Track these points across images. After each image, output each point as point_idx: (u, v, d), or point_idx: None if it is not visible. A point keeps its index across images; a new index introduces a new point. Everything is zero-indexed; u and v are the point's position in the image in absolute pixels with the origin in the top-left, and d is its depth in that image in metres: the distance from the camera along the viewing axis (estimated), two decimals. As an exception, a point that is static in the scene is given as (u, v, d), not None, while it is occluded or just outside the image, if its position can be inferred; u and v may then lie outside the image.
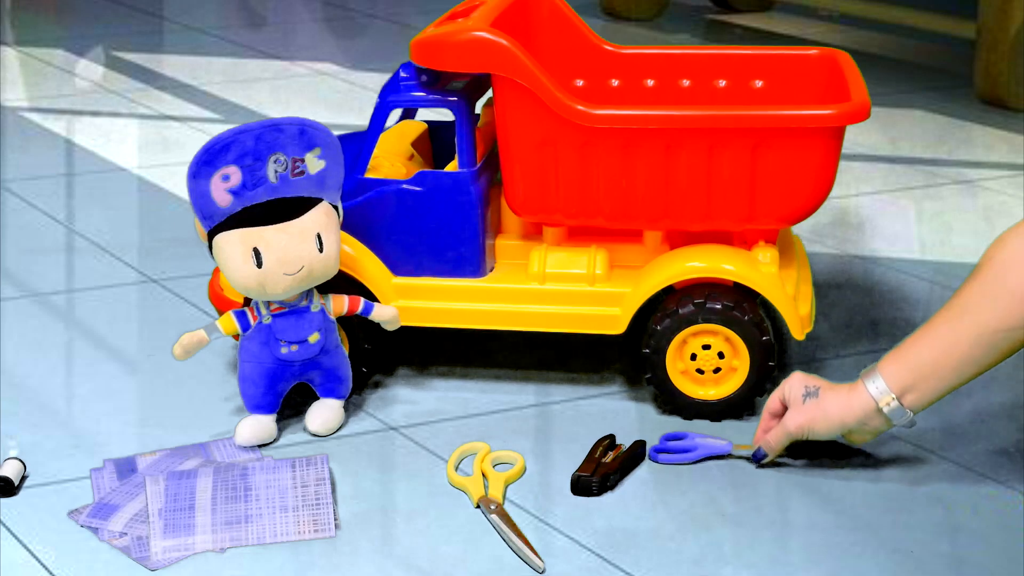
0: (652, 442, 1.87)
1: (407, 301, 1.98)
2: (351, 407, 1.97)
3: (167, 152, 3.09)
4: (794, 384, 1.80)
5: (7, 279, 2.43)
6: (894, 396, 1.72)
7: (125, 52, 3.95)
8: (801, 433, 1.77)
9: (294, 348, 1.88)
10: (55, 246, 2.58)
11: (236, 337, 1.90)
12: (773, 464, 1.83)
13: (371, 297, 1.97)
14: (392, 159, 2.03)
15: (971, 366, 1.70)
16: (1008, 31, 3.30)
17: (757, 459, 1.82)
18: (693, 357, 1.94)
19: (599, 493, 1.77)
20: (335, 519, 1.72)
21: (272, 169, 1.84)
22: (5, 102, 3.45)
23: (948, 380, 1.71)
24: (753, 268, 1.93)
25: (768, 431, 1.82)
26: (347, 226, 1.96)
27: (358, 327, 1.98)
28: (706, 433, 1.89)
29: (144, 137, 3.21)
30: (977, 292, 1.68)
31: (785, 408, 1.81)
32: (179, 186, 2.86)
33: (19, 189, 2.85)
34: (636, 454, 1.83)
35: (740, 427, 1.93)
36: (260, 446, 1.88)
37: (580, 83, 2.18)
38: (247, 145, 1.82)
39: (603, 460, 1.81)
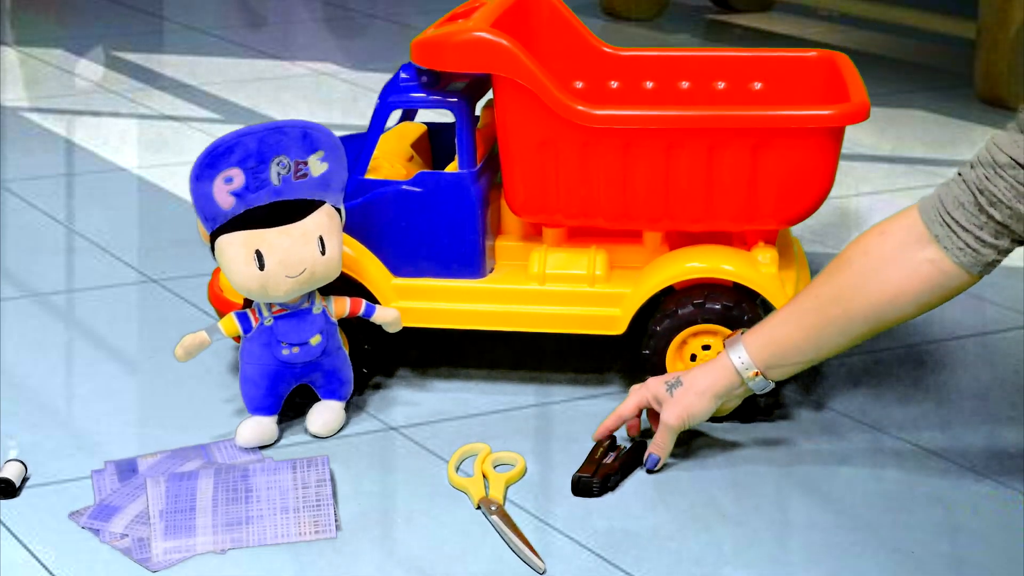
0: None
1: (407, 302, 1.98)
2: (352, 408, 1.97)
3: (167, 152, 3.10)
4: (653, 385, 1.84)
5: (7, 279, 2.43)
6: (758, 371, 1.80)
7: (125, 52, 3.95)
8: (682, 423, 1.82)
9: (295, 350, 1.88)
10: (55, 246, 2.58)
11: (237, 339, 1.90)
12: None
13: (371, 298, 1.97)
14: (392, 160, 2.03)
15: (833, 349, 1.80)
16: (1008, 31, 3.30)
17: (650, 467, 1.83)
18: (693, 358, 1.94)
19: (600, 494, 1.77)
20: (336, 520, 1.72)
21: (275, 171, 1.84)
22: (5, 102, 3.45)
23: (809, 359, 1.81)
24: (753, 268, 1.93)
25: (612, 429, 1.86)
26: (347, 227, 1.96)
27: (358, 328, 1.98)
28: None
29: (144, 137, 3.21)
30: (850, 284, 1.76)
31: (651, 412, 1.86)
32: (179, 186, 2.86)
33: (19, 189, 2.85)
34: (637, 455, 1.84)
35: (741, 428, 1.93)
36: (261, 447, 1.89)
37: (579, 85, 2.18)
38: (250, 147, 1.82)
39: (604, 461, 1.81)
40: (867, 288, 1.74)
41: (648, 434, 1.89)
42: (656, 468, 1.82)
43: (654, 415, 1.85)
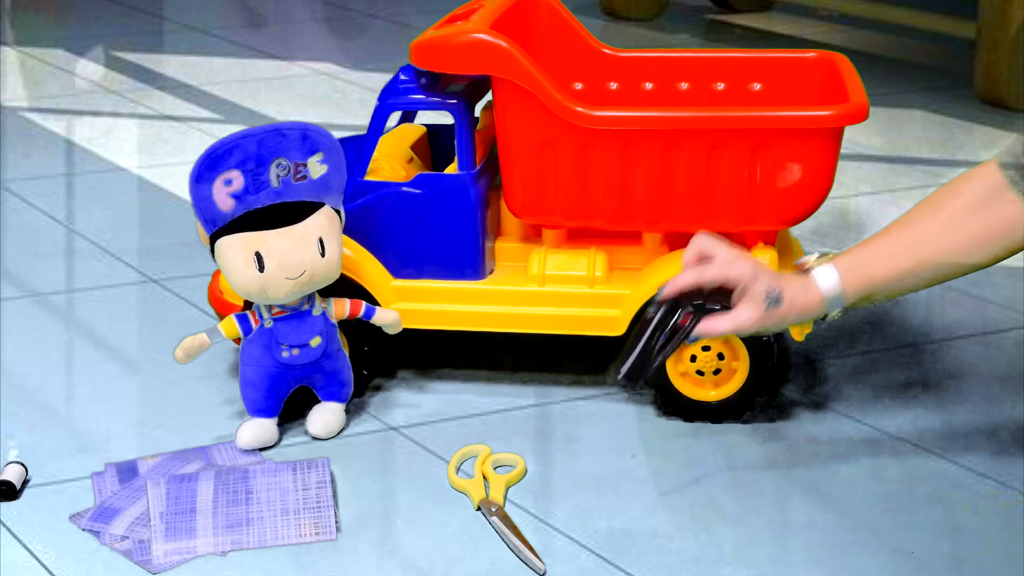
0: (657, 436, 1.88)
1: (407, 304, 1.98)
2: (352, 409, 1.97)
3: (167, 152, 3.10)
4: (759, 281, 1.76)
5: (7, 279, 2.43)
6: (846, 308, 1.78)
7: (125, 52, 3.95)
8: (753, 332, 1.78)
9: (295, 352, 1.88)
10: (55, 246, 2.58)
11: (237, 341, 1.91)
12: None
13: (371, 299, 1.97)
14: (391, 162, 2.03)
15: (920, 285, 1.79)
16: (1008, 31, 3.30)
17: (691, 341, 1.77)
18: (693, 359, 1.94)
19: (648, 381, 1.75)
20: (336, 522, 1.72)
21: (274, 174, 1.84)
22: (5, 102, 3.45)
23: (894, 294, 1.80)
24: (753, 269, 1.93)
25: (684, 290, 1.77)
26: (347, 229, 1.96)
27: (358, 330, 1.98)
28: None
29: (144, 137, 3.21)
30: (943, 223, 1.75)
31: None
32: (179, 186, 2.86)
33: (19, 189, 2.85)
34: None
35: (742, 428, 1.93)
36: (261, 449, 1.89)
37: (579, 86, 2.19)
38: (250, 150, 1.82)
39: (653, 345, 1.74)
40: (962, 228, 1.74)
41: (646, 436, 1.89)
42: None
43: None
